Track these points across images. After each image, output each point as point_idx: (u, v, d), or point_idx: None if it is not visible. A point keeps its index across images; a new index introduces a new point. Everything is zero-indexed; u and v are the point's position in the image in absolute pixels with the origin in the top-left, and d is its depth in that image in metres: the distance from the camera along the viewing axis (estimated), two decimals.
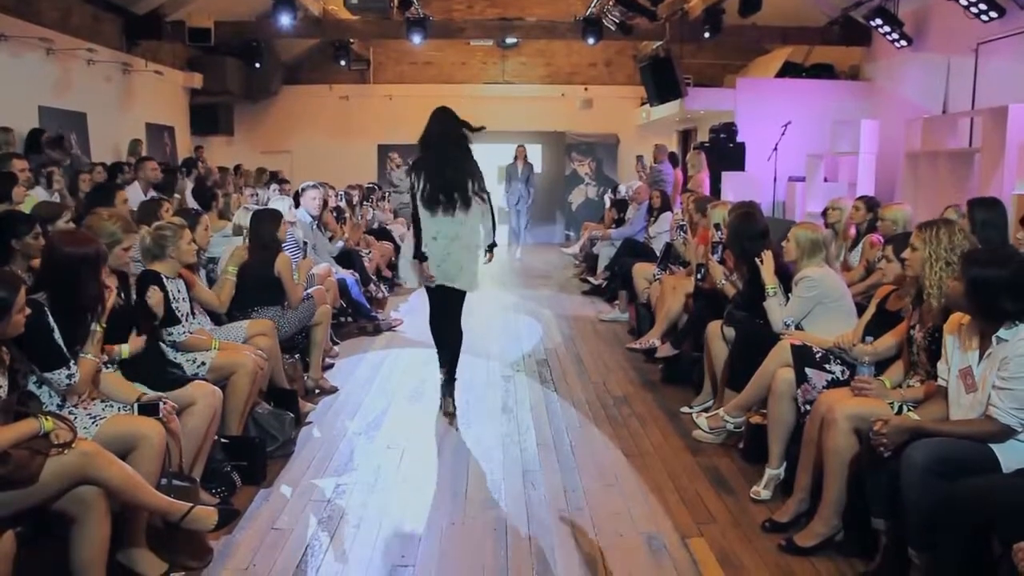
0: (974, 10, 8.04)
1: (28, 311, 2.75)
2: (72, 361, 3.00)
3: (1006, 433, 2.74)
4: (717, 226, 5.18)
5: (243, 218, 5.80)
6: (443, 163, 4.76)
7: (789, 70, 12.51)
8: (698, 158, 10.20)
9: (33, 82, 9.03)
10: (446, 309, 5.05)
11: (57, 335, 2.97)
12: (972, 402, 2.86)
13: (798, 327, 4.14)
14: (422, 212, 4.81)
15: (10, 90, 8.52)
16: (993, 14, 7.95)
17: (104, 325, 3.23)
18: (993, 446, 2.76)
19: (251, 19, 12.69)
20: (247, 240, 5.24)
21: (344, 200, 9.30)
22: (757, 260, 4.42)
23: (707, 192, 9.55)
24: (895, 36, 9.82)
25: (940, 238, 3.19)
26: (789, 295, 4.24)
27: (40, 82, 9.17)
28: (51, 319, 2.96)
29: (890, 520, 2.92)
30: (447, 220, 4.78)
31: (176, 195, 8.15)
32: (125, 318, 3.71)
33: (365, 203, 11.02)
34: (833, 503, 3.24)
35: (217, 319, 4.79)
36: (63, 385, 2.97)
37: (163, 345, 3.94)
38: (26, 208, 5.25)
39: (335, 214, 8.17)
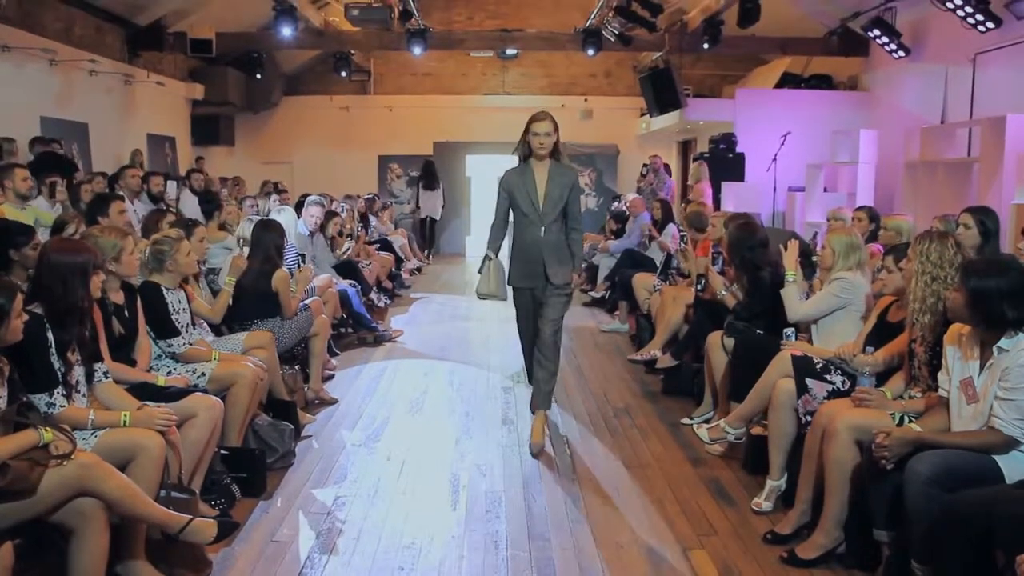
0: (971, 21, 8.06)
1: (26, 318, 2.76)
2: (59, 391, 2.97)
3: (1009, 444, 2.74)
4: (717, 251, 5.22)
5: (247, 230, 5.80)
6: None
7: (788, 80, 12.55)
8: (700, 169, 10.19)
9: (35, 92, 9.05)
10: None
11: (54, 353, 2.96)
12: (974, 413, 2.86)
13: (804, 331, 4.14)
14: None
15: (13, 100, 8.54)
16: (990, 25, 7.98)
17: (106, 375, 3.26)
18: (996, 457, 2.75)
19: (253, 30, 12.74)
20: (242, 249, 5.24)
21: (347, 212, 9.29)
22: (781, 247, 4.41)
23: (709, 202, 9.55)
24: (893, 47, 9.85)
25: (930, 252, 3.20)
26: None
27: (42, 92, 9.20)
28: (51, 334, 2.95)
29: (893, 532, 2.91)
30: None
31: (166, 205, 8.13)
32: (130, 330, 3.73)
33: (370, 215, 11.06)
34: (835, 515, 3.23)
35: (216, 331, 4.79)
36: (41, 410, 2.91)
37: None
38: (28, 219, 5.27)
39: (339, 230, 8.14)
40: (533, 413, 4.78)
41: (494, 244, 4.78)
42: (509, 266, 4.77)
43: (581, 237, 4.78)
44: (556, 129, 4.54)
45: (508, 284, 4.77)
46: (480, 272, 4.78)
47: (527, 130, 4.56)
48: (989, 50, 8.32)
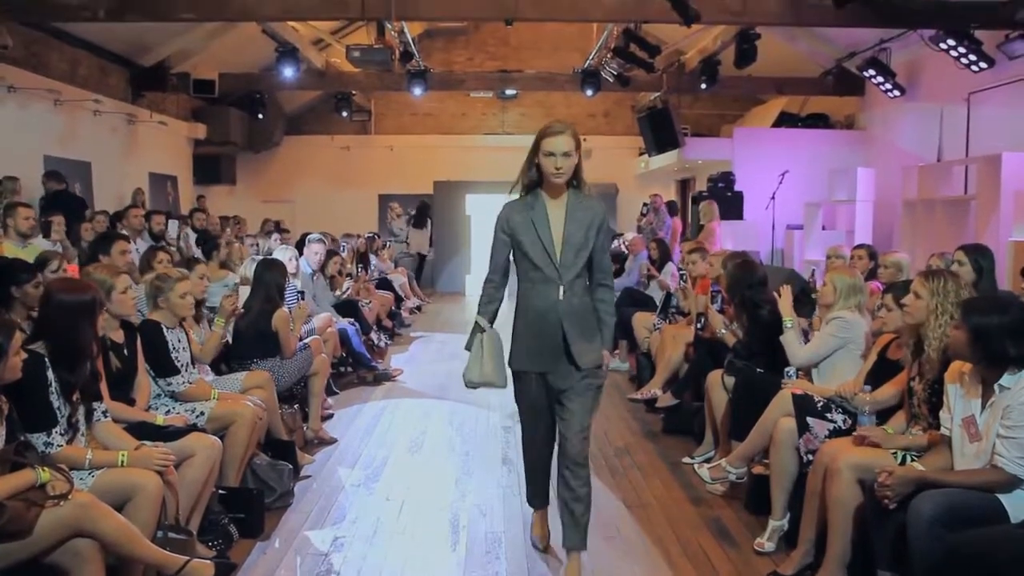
0: (964, 61, 8.19)
1: (25, 356, 2.76)
2: (57, 431, 2.95)
3: (1012, 483, 2.72)
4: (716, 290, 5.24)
5: (250, 269, 5.80)
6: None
7: (785, 120, 12.68)
8: (711, 208, 10.08)
9: (40, 132, 9.16)
10: None
11: (54, 391, 2.95)
12: (976, 451, 2.85)
13: (805, 372, 4.13)
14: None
15: (17, 140, 8.64)
16: (983, 65, 8.10)
17: (105, 414, 3.25)
18: (1000, 496, 2.73)
19: (255, 71, 12.92)
20: (236, 290, 5.24)
21: (347, 252, 9.30)
22: (775, 293, 4.41)
23: (719, 241, 9.54)
24: (888, 86, 9.97)
25: (947, 290, 3.18)
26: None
27: (47, 132, 9.31)
28: (51, 373, 2.95)
29: (896, 572, 2.88)
30: None
31: (167, 244, 8.18)
32: (130, 368, 3.72)
33: (370, 254, 11.08)
34: (838, 555, 3.20)
35: (216, 370, 4.77)
36: (39, 449, 2.89)
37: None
38: (29, 257, 5.29)
39: (339, 269, 8.16)
40: (567, 552, 3.41)
41: (487, 309, 3.38)
42: (512, 341, 3.36)
43: (612, 298, 3.42)
44: (578, 147, 3.28)
45: (509, 366, 3.38)
46: (469, 349, 3.39)
47: (536, 148, 3.28)
48: (983, 89, 8.44)
